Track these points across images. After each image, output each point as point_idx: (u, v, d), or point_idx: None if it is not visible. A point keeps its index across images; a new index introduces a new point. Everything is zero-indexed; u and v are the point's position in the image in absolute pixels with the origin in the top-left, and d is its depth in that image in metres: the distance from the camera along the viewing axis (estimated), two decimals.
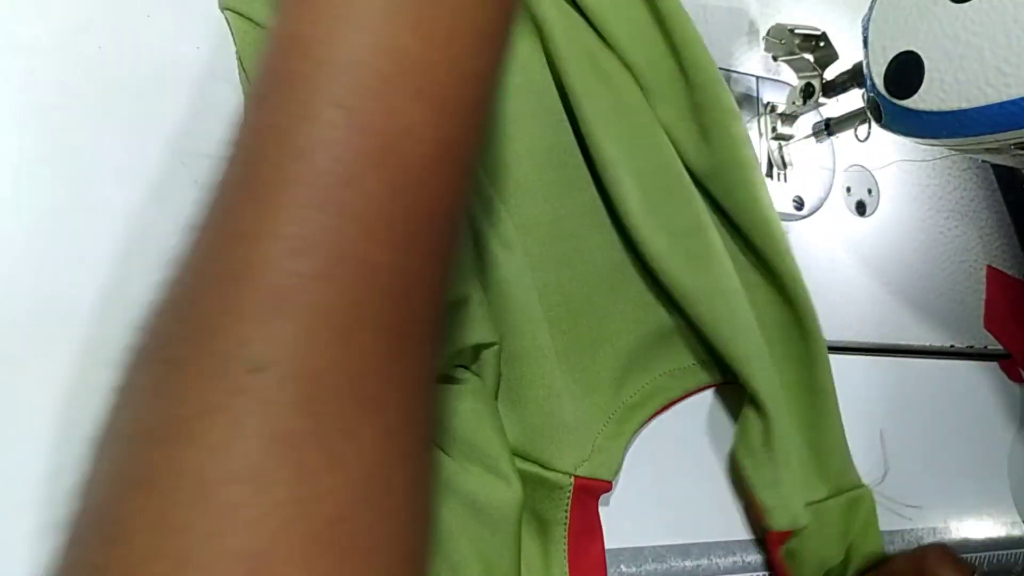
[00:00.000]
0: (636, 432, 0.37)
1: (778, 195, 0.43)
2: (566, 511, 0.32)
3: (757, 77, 0.44)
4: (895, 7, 0.32)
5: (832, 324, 0.43)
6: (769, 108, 0.43)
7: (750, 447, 0.37)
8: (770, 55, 0.41)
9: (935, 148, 0.34)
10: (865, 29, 0.34)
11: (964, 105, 0.30)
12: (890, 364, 0.45)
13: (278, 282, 0.17)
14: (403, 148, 0.18)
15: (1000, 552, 0.46)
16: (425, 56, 0.19)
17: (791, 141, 0.43)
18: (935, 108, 0.31)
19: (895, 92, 0.32)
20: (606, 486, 0.34)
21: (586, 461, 0.33)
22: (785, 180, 0.43)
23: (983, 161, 0.50)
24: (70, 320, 0.27)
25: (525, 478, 0.32)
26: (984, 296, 0.48)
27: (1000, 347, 0.48)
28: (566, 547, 0.32)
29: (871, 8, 0.34)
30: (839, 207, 0.45)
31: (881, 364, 0.45)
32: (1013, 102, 0.29)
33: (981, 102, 0.29)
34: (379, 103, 0.18)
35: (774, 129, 0.43)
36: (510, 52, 0.22)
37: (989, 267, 0.49)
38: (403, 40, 0.19)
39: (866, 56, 0.34)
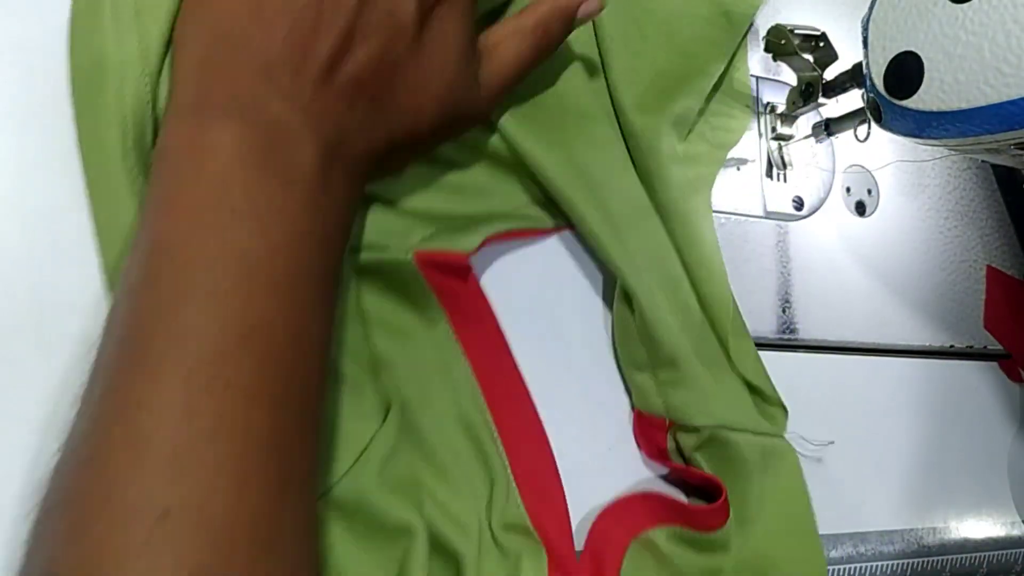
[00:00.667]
0: (507, 229, 0.34)
1: (778, 195, 0.43)
2: (425, 287, 0.31)
3: (757, 77, 0.44)
4: (895, 7, 0.32)
5: (832, 324, 0.43)
6: (769, 108, 0.43)
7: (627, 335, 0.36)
8: (770, 55, 0.41)
9: (935, 148, 0.34)
10: (865, 29, 0.34)
11: (964, 105, 0.30)
12: (890, 364, 0.45)
13: (176, 443, 0.20)
14: (263, 333, 0.22)
15: (1000, 552, 0.46)
16: (268, 257, 0.23)
17: (791, 141, 0.43)
18: (935, 108, 0.31)
19: (895, 92, 0.32)
20: (460, 258, 0.32)
21: (428, 239, 0.31)
22: (785, 180, 0.43)
23: (983, 161, 0.50)
24: (70, 320, 0.27)
25: (368, 269, 0.30)
26: (984, 296, 0.48)
27: (1000, 347, 0.48)
28: (450, 325, 0.31)
29: (871, 8, 0.34)
30: (839, 207, 0.45)
31: (881, 364, 0.45)
32: (1013, 102, 0.29)
33: (981, 102, 0.29)
34: (235, 296, 0.22)
35: (774, 129, 0.43)
36: (344, 254, 0.27)
37: (989, 267, 0.49)
38: (249, 243, 0.23)
39: (866, 56, 0.34)
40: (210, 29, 0.25)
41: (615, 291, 0.36)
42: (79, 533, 0.20)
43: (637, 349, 0.35)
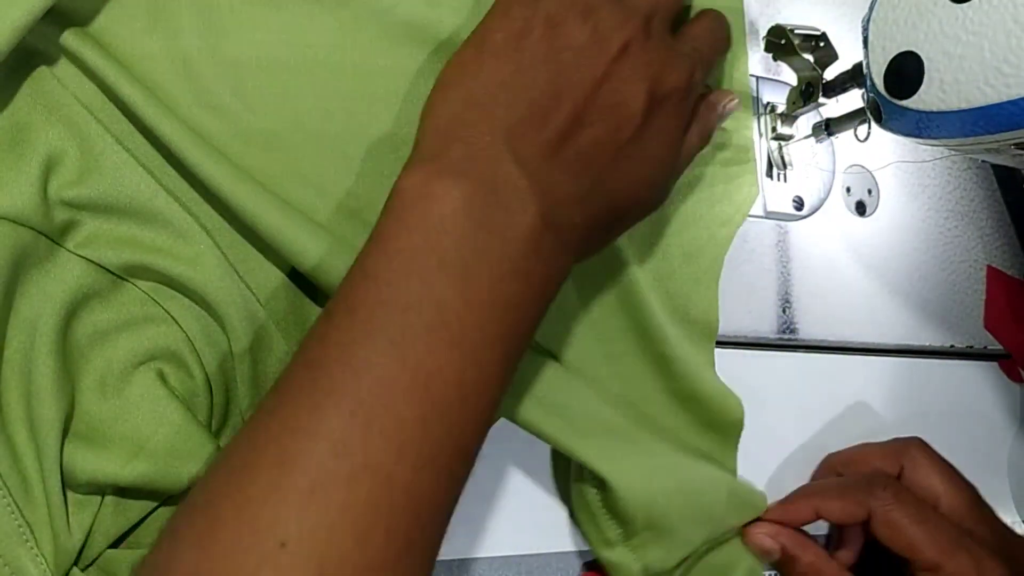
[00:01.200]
0: None
1: (778, 195, 0.43)
2: None
3: (757, 77, 0.44)
4: (895, 7, 0.32)
5: (832, 324, 0.43)
6: (769, 108, 0.43)
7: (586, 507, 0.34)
8: (770, 55, 0.41)
9: (935, 148, 0.34)
10: (865, 29, 0.34)
11: (964, 105, 0.30)
12: (890, 364, 0.45)
13: (315, 476, 0.21)
14: (434, 386, 0.23)
15: None
16: (462, 314, 0.24)
17: (791, 141, 0.43)
18: (935, 108, 0.31)
19: (895, 92, 0.32)
20: None
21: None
22: (785, 180, 0.43)
23: (983, 161, 0.50)
24: None
25: None
26: (984, 296, 0.48)
27: (1000, 347, 0.48)
28: None
29: (871, 8, 0.34)
30: (839, 207, 0.45)
31: (881, 364, 0.45)
32: (1013, 102, 0.28)
33: (981, 102, 0.29)
34: (421, 346, 0.23)
35: (774, 129, 0.43)
36: (539, 320, 0.27)
37: (989, 267, 0.49)
38: (446, 295, 0.23)
39: (866, 56, 0.34)
40: (462, 96, 0.27)
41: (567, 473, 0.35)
42: (205, 539, 0.21)
43: (607, 526, 0.34)
